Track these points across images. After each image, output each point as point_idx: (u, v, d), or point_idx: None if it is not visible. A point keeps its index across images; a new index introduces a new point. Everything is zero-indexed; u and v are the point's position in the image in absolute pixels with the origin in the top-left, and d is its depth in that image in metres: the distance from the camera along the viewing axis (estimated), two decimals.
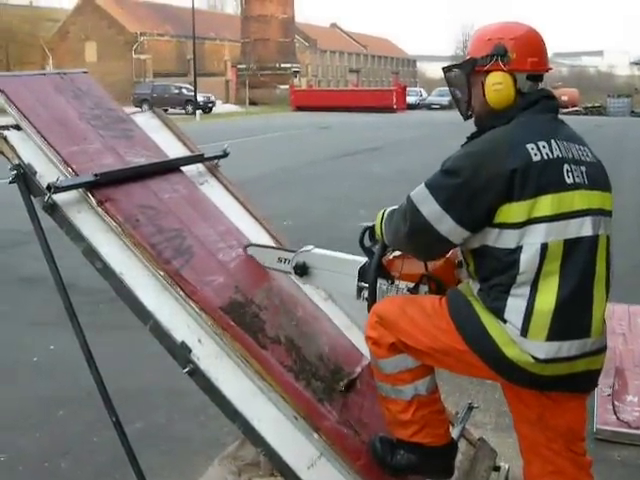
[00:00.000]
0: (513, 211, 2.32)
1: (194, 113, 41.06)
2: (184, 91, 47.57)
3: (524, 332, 2.33)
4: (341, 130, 29.95)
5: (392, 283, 2.82)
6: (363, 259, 2.95)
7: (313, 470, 2.72)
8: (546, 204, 2.32)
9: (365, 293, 2.88)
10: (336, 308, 3.55)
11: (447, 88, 2.78)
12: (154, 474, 3.47)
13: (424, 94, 61.04)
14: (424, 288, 2.77)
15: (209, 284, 2.92)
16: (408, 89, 56.67)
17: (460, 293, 2.54)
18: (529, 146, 2.36)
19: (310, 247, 3.13)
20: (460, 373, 2.79)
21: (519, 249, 2.33)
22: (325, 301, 3.53)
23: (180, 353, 2.69)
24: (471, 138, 2.56)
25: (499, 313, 2.38)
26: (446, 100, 47.54)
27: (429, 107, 54.61)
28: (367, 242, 2.90)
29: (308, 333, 3.16)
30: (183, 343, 2.69)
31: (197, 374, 2.68)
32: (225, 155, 3.76)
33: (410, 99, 54.02)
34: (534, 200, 2.32)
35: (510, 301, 2.35)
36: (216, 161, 3.77)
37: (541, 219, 2.32)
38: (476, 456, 3.49)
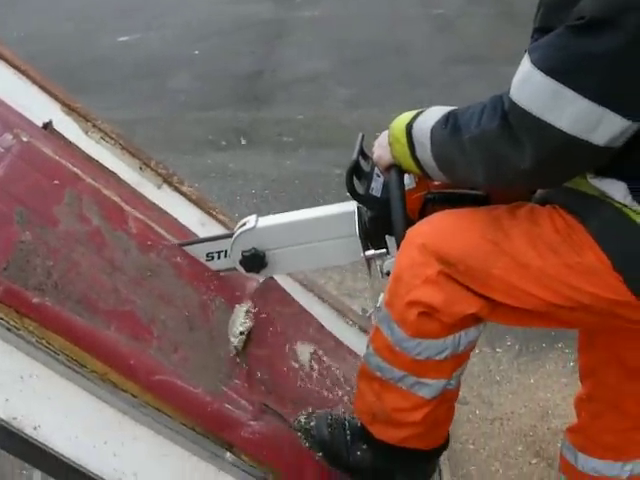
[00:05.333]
0: None
1: None
2: None
3: None
4: None
5: None
6: (349, 206, 1.76)
7: None
8: None
9: (386, 264, 1.68)
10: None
11: None
12: None
13: None
14: None
15: None
16: None
17: (597, 199, 1.39)
18: None
19: (250, 220, 1.84)
20: (576, 327, 1.74)
21: None
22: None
23: None
24: None
25: None
26: None
27: None
28: (358, 185, 1.69)
29: (161, 265, 1.86)
30: None
31: None
32: None
33: None
34: None
35: None
36: None
37: None
38: None
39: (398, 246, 1.57)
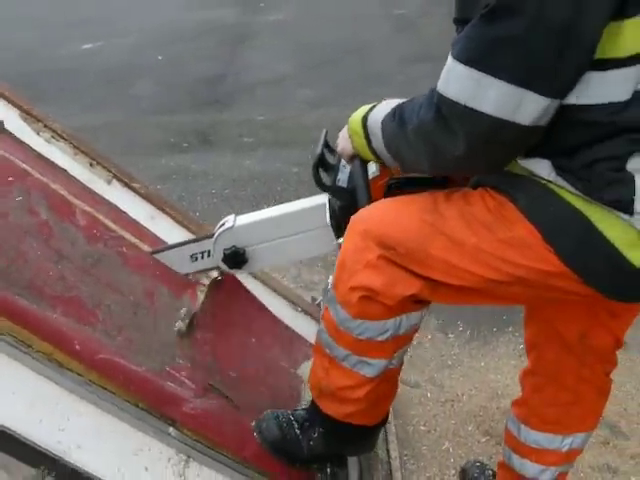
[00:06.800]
0: (627, 35, 1.26)
1: None
2: None
3: None
4: None
5: None
6: (320, 199, 1.86)
7: None
8: None
9: None
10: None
11: None
12: None
13: None
14: None
15: None
16: None
17: (526, 178, 1.46)
18: None
19: (229, 219, 1.95)
20: (516, 302, 1.78)
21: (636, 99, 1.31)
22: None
23: None
24: None
25: (619, 202, 1.36)
26: None
27: None
28: (326, 177, 1.79)
29: (108, 255, 1.94)
30: None
31: None
32: None
33: None
34: None
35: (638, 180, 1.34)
36: None
37: None
38: None
39: None
